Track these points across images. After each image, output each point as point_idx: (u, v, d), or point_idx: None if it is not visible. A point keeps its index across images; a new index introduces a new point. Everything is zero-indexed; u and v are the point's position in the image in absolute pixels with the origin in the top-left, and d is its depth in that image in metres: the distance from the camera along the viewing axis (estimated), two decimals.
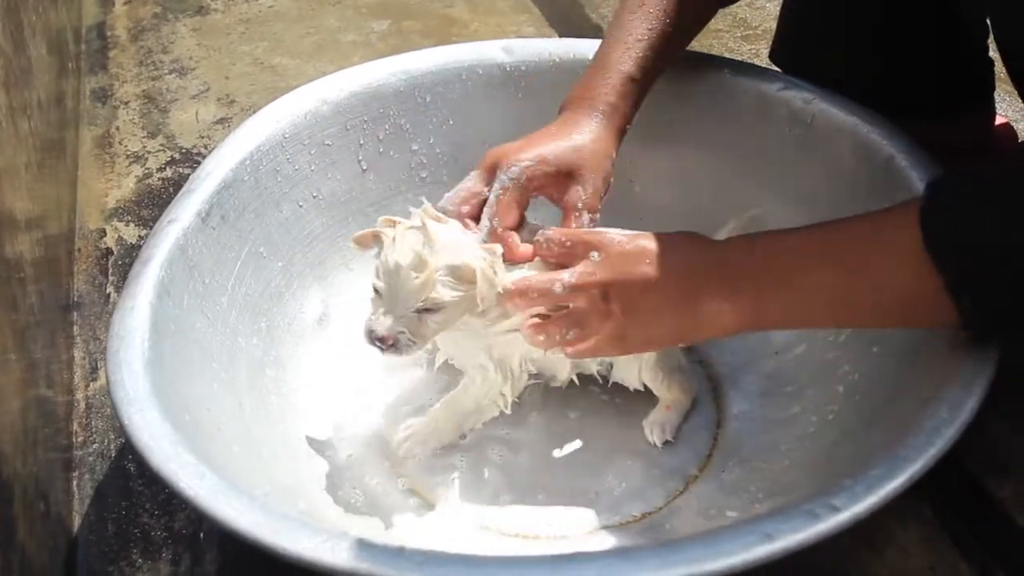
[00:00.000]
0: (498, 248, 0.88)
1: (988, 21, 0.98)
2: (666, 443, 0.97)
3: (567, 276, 0.83)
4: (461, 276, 0.85)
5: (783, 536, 0.69)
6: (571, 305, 0.84)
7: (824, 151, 1.05)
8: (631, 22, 1.00)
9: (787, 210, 1.04)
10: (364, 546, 0.69)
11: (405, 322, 0.85)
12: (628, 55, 0.98)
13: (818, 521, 0.70)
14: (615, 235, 0.84)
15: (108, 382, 0.82)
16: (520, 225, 0.92)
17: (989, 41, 1.13)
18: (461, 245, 0.87)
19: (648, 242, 0.83)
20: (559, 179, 0.92)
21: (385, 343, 0.85)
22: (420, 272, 0.83)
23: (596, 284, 0.82)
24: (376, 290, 0.86)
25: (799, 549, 0.69)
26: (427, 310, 0.85)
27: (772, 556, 0.68)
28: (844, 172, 1.03)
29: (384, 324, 0.85)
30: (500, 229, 0.90)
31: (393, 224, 0.88)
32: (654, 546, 0.71)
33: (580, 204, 0.91)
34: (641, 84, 0.99)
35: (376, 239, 0.88)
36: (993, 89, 1.20)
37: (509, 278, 0.87)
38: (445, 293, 0.85)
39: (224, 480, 0.74)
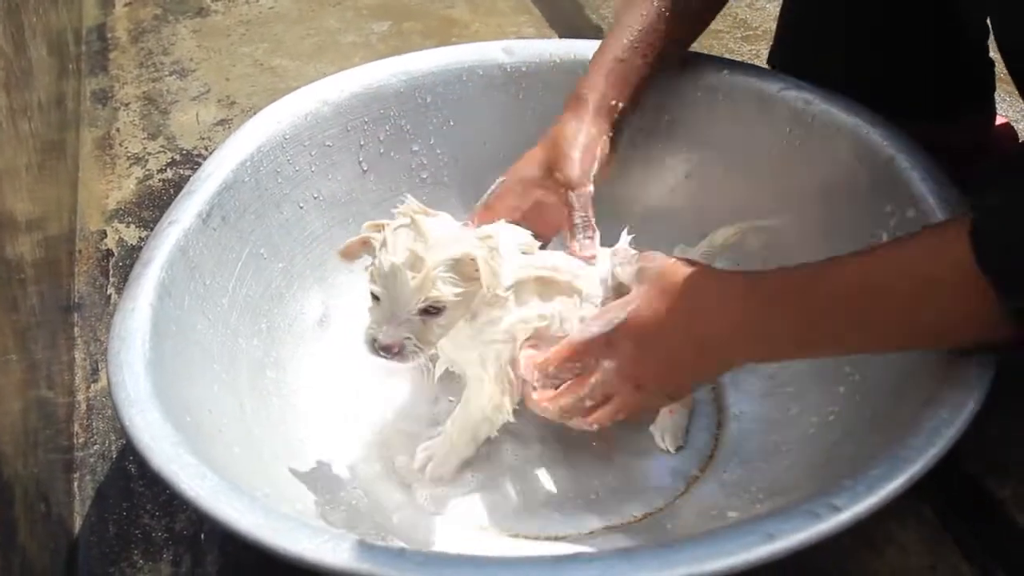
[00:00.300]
0: (495, 236, 0.86)
1: (988, 22, 0.98)
2: (679, 449, 0.97)
3: (590, 392, 0.85)
4: (462, 271, 0.82)
5: (784, 536, 0.69)
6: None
7: (824, 152, 1.05)
8: (624, 12, 1.03)
9: (787, 211, 1.04)
10: (365, 547, 0.69)
11: (409, 327, 0.82)
12: (616, 40, 1.02)
13: (819, 521, 0.70)
14: (620, 341, 0.83)
15: (109, 383, 0.82)
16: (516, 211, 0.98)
17: (989, 42, 1.13)
18: (456, 237, 0.83)
19: (658, 332, 0.82)
20: (544, 177, 0.98)
21: (390, 351, 0.82)
22: (418, 271, 0.80)
23: (624, 387, 0.85)
24: (374, 296, 0.83)
25: (800, 549, 0.69)
26: (430, 311, 0.82)
27: (773, 556, 0.68)
28: (844, 173, 1.03)
29: (387, 331, 0.82)
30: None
31: (380, 228, 0.85)
32: (655, 546, 0.71)
33: (569, 191, 0.96)
34: (630, 63, 1.01)
35: (365, 246, 0.86)
36: (993, 90, 1.20)
37: (510, 266, 0.87)
38: (447, 291, 0.81)
39: (225, 481, 0.74)
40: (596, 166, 0.98)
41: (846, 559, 0.88)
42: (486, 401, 0.91)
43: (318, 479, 0.93)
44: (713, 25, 1.12)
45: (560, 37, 1.71)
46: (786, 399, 0.99)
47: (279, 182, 1.07)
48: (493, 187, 1.02)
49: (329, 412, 1.01)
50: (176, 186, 1.39)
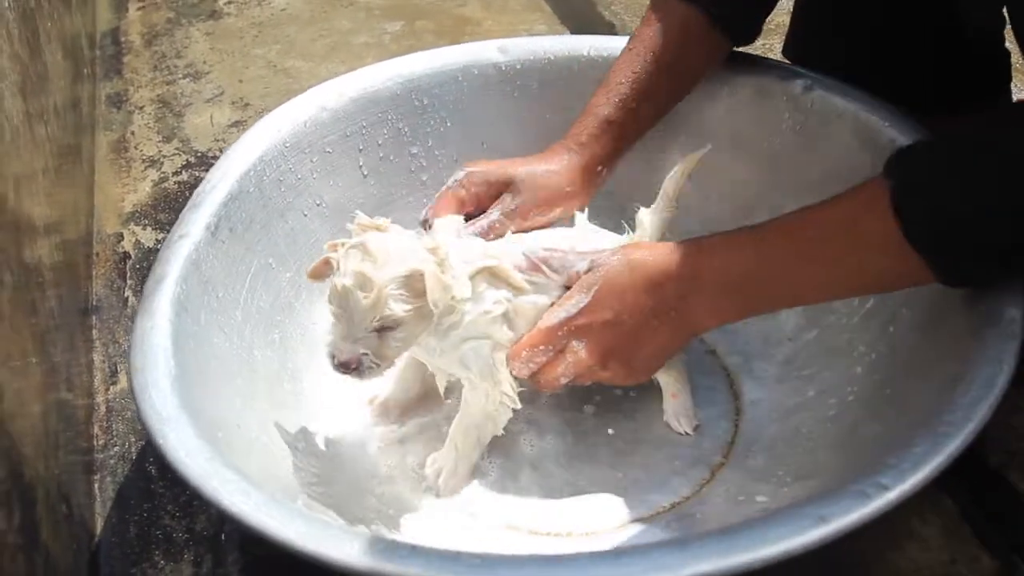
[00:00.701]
0: (443, 247, 0.87)
1: (1005, 11, 0.97)
2: (696, 427, 0.98)
3: (564, 370, 0.89)
4: (413, 286, 0.83)
5: (836, 518, 0.69)
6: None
7: (825, 137, 1.05)
8: (618, 65, 1.04)
9: (789, 197, 1.03)
10: (419, 552, 0.70)
11: (365, 343, 0.83)
12: (607, 98, 1.03)
13: (869, 501, 0.70)
14: (587, 322, 0.87)
15: (136, 402, 0.82)
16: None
17: (1005, 31, 1.12)
18: (405, 252, 0.84)
19: (615, 305, 0.87)
20: (495, 190, 1.00)
21: (348, 368, 0.84)
22: (368, 291, 0.82)
23: (594, 366, 0.89)
24: (333, 315, 0.85)
25: (852, 530, 0.69)
26: (386, 328, 0.84)
27: (826, 538, 0.68)
28: (847, 157, 1.03)
29: (344, 348, 0.83)
30: (432, 218, 0.98)
31: (338, 248, 0.86)
32: (708, 535, 0.71)
33: (499, 211, 0.98)
34: (621, 123, 1.03)
35: (328, 266, 0.86)
36: (1009, 80, 1.20)
37: (463, 274, 0.87)
38: (398, 308, 0.83)
39: (267, 494, 0.75)
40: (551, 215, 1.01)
41: (867, 553, 0.88)
42: (484, 399, 0.91)
43: (346, 486, 0.93)
44: None
45: (572, 33, 1.71)
46: (802, 383, 1.00)
47: (282, 191, 1.07)
48: (456, 178, 1.02)
49: (349, 419, 1.00)
50: (191, 188, 1.39)
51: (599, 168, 1.03)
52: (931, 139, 0.86)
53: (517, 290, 0.90)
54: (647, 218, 0.98)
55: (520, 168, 1.01)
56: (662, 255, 0.86)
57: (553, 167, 1.01)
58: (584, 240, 0.95)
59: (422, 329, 0.86)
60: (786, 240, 0.83)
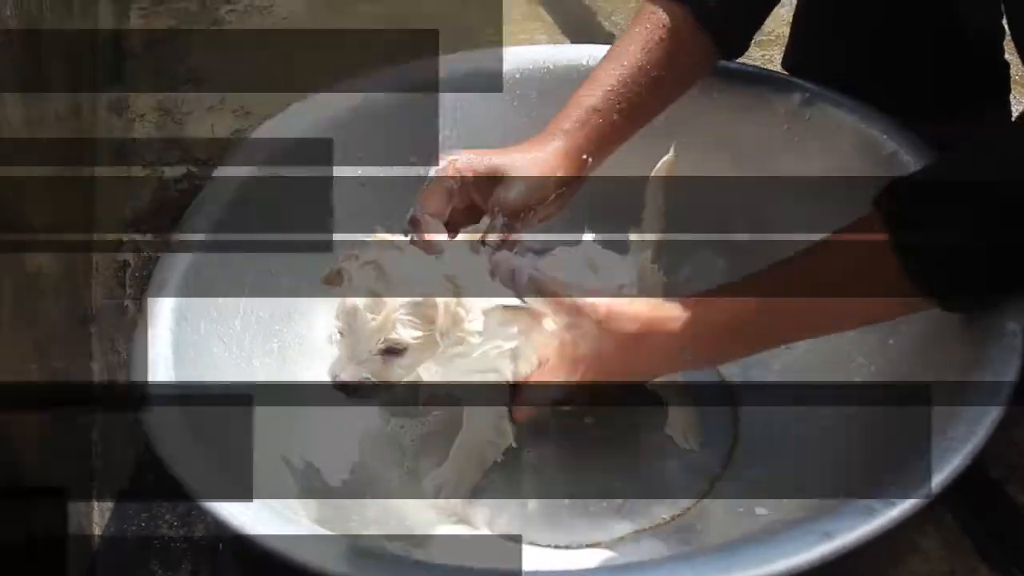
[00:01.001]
0: (461, 276, 0.85)
1: (1005, 23, 0.98)
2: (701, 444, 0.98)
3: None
4: (424, 313, 0.81)
5: (842, 534, 0.69)
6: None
7: (825, 148, 1.06)
8: (605, 59, 1.04)
9: (789, 208, 1.04)
10: (418, 566, 0.71)
11: (369, 366, 0.81)
12: (592, 89, 1.01)
13: (875, 517, 0.70)
14: (576, 393, 0.88)
15: (136, 411, 0.82)
16: (443, 212, 0.93)
17: (1005, 43, 1.12)
18: (421, 277, 0.83)
19: (601, 377, 0.86)
20: (485, 182, 0.95)
21: (348, 389, 0.82)
22: (377, 312, 0.80)
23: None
24: (339, 331, 0.83)
25: (857, 547, 0.69)
26: (391, 352, 0.82)
27: (832, 555, 0.68)
28: (847, 169, 1.03)
29: (347, 370, 0.82)
30: (421, 214, 0.91)
31: (351, 260, 0.84)
32: (715, 550, 0.71)
33: (498, 207, 0.95)
34: (607, 117, 1.00)
35: (340, 276, 0.84)
36: (1008, 91, 1.20)
37: (478, 307, 0.85)
38: (406, 334, 0.81)
39: (268, 507, 0.75)
40: (536, 207, 0.97)
41: (865, 565, 0.87)
42: (486, 424, 0.91)
43: (346, 496, 0.93)
44: None
45: (572, 43, 1.71)
46: (801, 394, 0.99)
47: (281, 199, 1.07)
48: (439, 168, 0.97)
49: (349, 429, 1.00)
50: (192, 196, 1.39)
51: (584, 156, 1.00)
52: (924, 167, 0.86)
53: (531, 319, 0.88)
54: (637, 240, 0.98)
55: (505, 158, 0.97)
56: (646, 322, 0.84)
57: (538, 156, 0.98)
58: (586, 265, 0.94)
59: (428, 356, 0.85)
60: (781, 290, 0.82)
